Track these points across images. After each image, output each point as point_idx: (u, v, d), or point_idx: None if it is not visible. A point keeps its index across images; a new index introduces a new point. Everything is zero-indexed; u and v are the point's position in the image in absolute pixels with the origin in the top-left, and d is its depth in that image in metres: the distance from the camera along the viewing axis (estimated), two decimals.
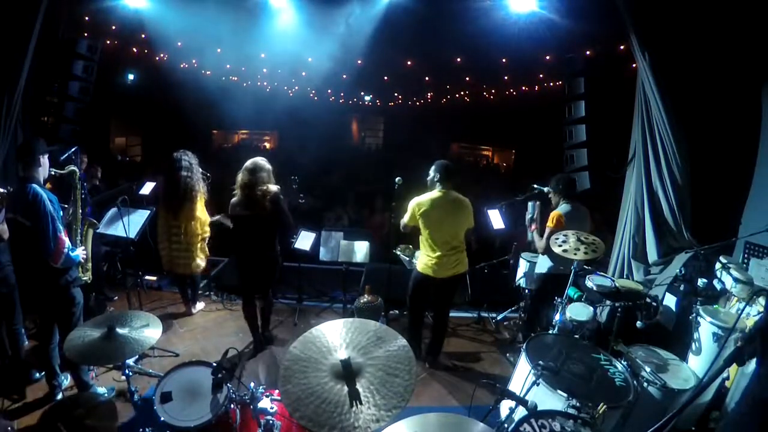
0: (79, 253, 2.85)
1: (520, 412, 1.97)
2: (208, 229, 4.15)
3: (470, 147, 20.45)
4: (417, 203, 3.32)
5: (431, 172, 3.41)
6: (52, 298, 2.82)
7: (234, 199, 3.45)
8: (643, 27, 3.76)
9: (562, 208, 3.58)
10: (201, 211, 4.05)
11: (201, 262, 4.21)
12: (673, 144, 3.80)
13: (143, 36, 7.03)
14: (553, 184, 3.75)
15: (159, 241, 4.10)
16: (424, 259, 3.43)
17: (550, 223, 3.54)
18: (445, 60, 10.43)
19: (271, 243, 3.54)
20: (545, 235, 3.54)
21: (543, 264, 3.79)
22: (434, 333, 3.72)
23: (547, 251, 3.57)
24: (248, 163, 3.43)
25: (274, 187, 3.43)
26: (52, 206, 2.66)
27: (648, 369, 2.61)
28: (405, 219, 3.43)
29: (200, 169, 4.04)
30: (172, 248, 4.06)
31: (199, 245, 4.13)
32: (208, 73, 11.41)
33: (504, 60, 9.72)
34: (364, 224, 6.75)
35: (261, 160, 3.46)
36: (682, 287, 3.43)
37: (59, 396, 2.98)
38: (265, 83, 15.00)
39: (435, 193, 3.32)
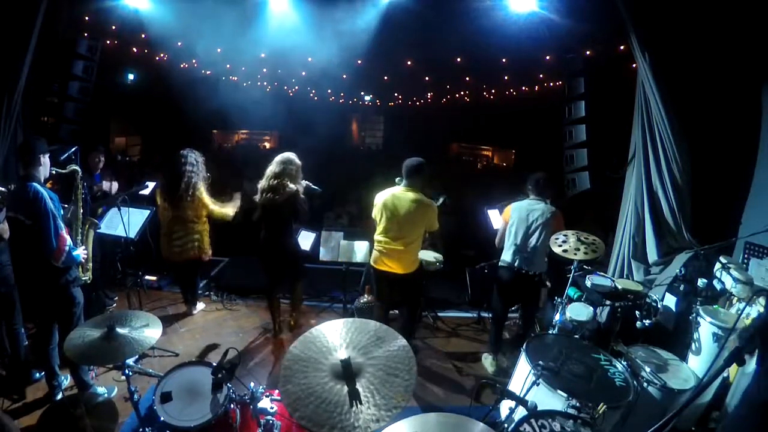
0: (80, 252, 2.85)
1: (520, 412, 1.97)
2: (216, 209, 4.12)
3: (470, 147, 20.48)
4: (378, 195, 3.39)
5: None
6: (52, 297, 2.82)
7: (262, 185, 3.68)
8: (643, 27, 3.76)
9: (517, 202, 3.61)
10: (207, 200, 4.05)
11: (208, 249, 4.20)
12: (673, 144, 3.80)
13: (143, 36, 7.01)
14: (526, 182, 3.73)
15: (161, 235, 4.07)
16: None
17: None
18: (445, 60, 10.41)
19: (292, 231, 3.80)
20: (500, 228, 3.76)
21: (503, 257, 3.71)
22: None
23: (499, 242, 3.72)
24: (279, 156, 3.72)
25: (298, 186, 3.67)
26: (53, 204, 2.65)
27: (648, 369, 2.61)
28: (372, 212, 3.47)
29: (204, 168, 4.05)
30: (175, 243, 4.00)
31: (205, 230, 4.12)
32: (208, 73, 11.42)
33: (504, 60, 9.71)
34: (363, 224, 6.74)
35: (292, 155, 3.73)
36: (682, 287, 3.42)
37: (59, 396, 2.97)
38: (265, 83, 15.02)
39: (396, 188, 3.35)
